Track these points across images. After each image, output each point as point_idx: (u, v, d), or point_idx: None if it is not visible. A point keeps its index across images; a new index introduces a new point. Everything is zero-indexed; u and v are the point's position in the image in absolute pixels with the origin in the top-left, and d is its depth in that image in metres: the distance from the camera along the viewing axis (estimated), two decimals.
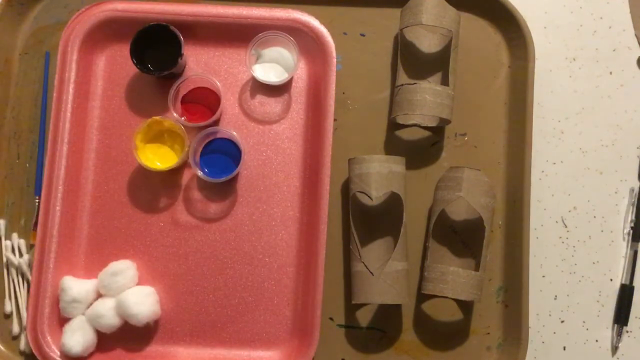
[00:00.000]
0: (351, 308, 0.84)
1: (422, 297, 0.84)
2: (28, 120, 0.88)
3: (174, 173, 0.85)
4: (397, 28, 0.87)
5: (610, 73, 0.90)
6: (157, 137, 0.84)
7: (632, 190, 0.87)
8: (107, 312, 0.79)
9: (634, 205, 0.87)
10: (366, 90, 0.88)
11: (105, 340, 0.81)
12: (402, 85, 0.83)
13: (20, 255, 0.84)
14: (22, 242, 0.85)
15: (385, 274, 0.78)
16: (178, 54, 0.83)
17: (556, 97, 0.89)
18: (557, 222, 0.87)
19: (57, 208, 0.82)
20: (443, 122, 0.85)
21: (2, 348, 0.83)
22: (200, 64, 0.88)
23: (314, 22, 0.86)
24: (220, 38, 0.87)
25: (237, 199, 0.85)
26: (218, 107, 0.83)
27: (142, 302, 0.79)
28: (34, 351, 0.80)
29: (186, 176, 0.85)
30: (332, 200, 0.83)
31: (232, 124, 0.86)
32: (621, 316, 0.84)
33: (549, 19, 0.91)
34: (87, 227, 0.84)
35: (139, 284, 0.82)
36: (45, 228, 0.81)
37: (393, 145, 0.87)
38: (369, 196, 0.80)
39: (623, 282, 0.86)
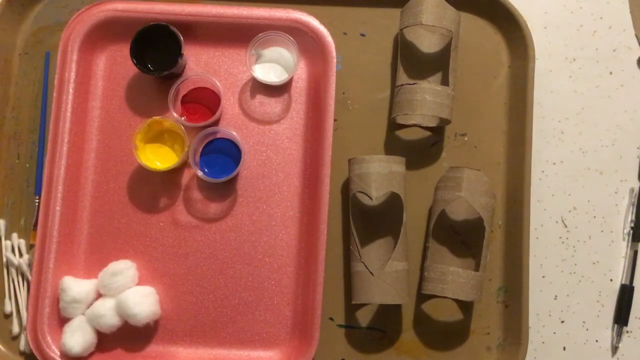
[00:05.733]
0: (351, 308, 0.84)
1: (422, 297, 0.84)
2: (28, 120, 0.88)
3: (174, 173, 0.85)
4: (397, 28, 0.87)
5: (610, 73, 0.90)
6: (157, 137, 0.84)
7: (632, 190, 0.87)
8: (107, 312, 0.79)
9: (634, 205, 0.87)
10: (366, 90, 0.88)
11: (105, 340, 0.81)
12: (402, 85, 0.83)
13: (20, 255, 0.84)
14: (22, 242, 0.85)
15: (385, 274, 0.78)
16: (178, 54, 0.83)
17: (556, 97, 0.89)
18: (557, 222, 0.87)
19: (57, 208, 0.82)
20: (443, 122, 0.85)
21: (2, 348, 0.83)
22: (200, 64, 0.88)
23: (314, 22, 0.86)
24: (220, 38, 0.87)
25: (237, 199, 0.85)
26: (218, 107, 0.83)
27: (142, 302, 0.79)
28: (34, 351, 0.80)
29: (186, 176, 0.85)
30: (332, 200, 0.83)
31: (232, 124, 0.86)
32: (621, 316, 0.84)
33: (549, 19, 0.91)
34: (87, 227, 0.84)
35: (139, 284, 0.82)
36: (45, 228, 0.81)
37: (393, 145, 0.87)
38: (369, 196, 0.80)
39: (623, 282, 0.86)
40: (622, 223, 0.87)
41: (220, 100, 0.84)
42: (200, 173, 0.81)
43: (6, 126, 0.88)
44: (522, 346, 0.80)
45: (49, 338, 0.80)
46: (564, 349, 0.85)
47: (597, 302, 0.85)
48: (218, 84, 0.83)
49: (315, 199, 0.82)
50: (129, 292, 0.80)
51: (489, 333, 0.83)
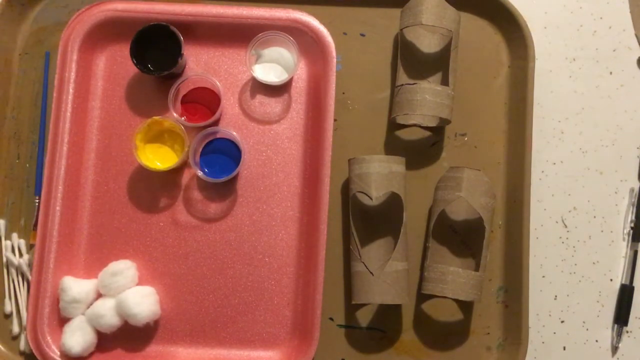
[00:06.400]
0: (351, 308, 0.84)
1: (422, 297, 0.84)
2: (28, 120, 0.88)
3: (174, 173, 0.85)
4: (397, 28, 0.87)
5: (610, 73, 0.90)
6: (157, 137, 0.84)
7: (632, 190, 0.87)
8: (107, 312, 0.79)
9: (634, 205, 0.87)
10: (366, 90, 0.88)
11: (105, 340, 0.81)
12: (402, 85, 0.83)
13: (20, 255, 0.84)
14: (22, 242, 0.85)
15: (385, 274, 0.78)
16: (178, 54, 0.83)
17: (556, 97, 0.89)
18: (557, 222, 0.87)
19: (57, 208, 0.82)
20: (443, 122, 0.85)
21: (2, 348, 0.83)
22: (200, 64, 0.88)
23: (314, 22, 0.86)
24: (220, 38, 0.87)
25: (237, 199, 0.85)
26: (218, 107, 0.83)
27: (142, 302, 0.79)
28: (34, 351, 0.80)
29: (186, 176, 0.85)
30: (332, 200, 0.83)
31: (232, 124, 0.86)
32: (621, 316, 0.84)
33: (549, 19, 0.91)
34: (87, 227, 0.84)
35: (139, 284, 0.82)
36: (45, 228, 0.81)
37: (393, 145, 0.87)
38: (369, 196, 0.79)
39: (623, 282, 0.85)
40: (622, 223, 0.87)
41: (220, 100, 0.84)
42: (200, 173, 0.81)
43: (6, 126, 0.88)
44: (522, 346, 0.80)
45: (49, 338, 0.80)
46: (564, 349, 0.85)
47: (597, 302, 0.85)
48: (218, 84, 0.83)
49: (315, 199, 0.82)
50: (129, 292, 0.80)
51: (489, 333, 0.83)
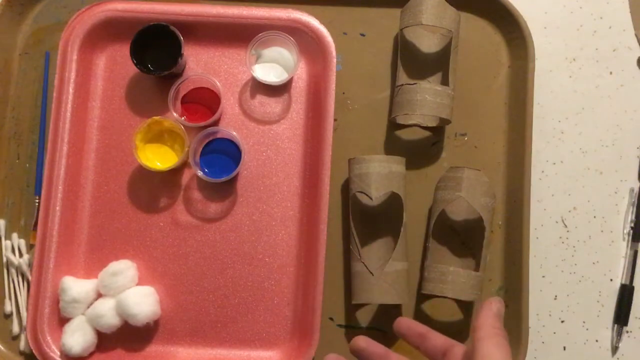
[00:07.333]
0: (351, 308, 0.84)
1: (422, 297, 0.84)
2: (28, 120, 0.88)
3: (174, 173, 0.85)
4: (397, 28, 0.87)
5: (610, 73, 0.90)
6: (157, 137, 0.84)
7: (632, 190, 0.87)
8: (107, 312, 0.79)
9: (634, 205, 0.86)
10: (366, 90, 0.88)
11: (105, 340, 0.81)
12: (402, 85, 0.83)
13: (20, 255, 0.84)
14: (22, 242, 0.85)
15: (385, 274, 0.78)
16: (178, 54, 0.83)
17: (556, 97, 0.89)
18: (557, 222, 0.87)
19: (57, 208, 0.82)
20: (443, 122, 0.85)
21: (2, 348, 0.83)
22: (200, 64, 0.88)
23: (314, 22, 0.86)
24: (220, 38, 0.87)
25: (237, 199, 0.85)
26: (218, 107, 0.83)
27: (142, 302, 0.79)
28: (34, 351, 0.80)
29: (186, 176, 0.85)
30: (332, 200, 0.83)
31: (232, 124, 0.86)
32: (621, 316, 0.84)
33: (549, 19, 0.91)
34: (87, 227, 0.84)
35: (139, 284, 0.82)
36: (45, 228, 0.81)
37: (393, 145, 0.87)
38: (369, 196, 0.80)
39: (623, 282, 0.85)
40: (622, 223, 0.87)
41: (220, 100, 0.84)
42: (200, 173, 0.81)
43: (6, 126, 0.88)
44: (522, 346, 0.80)
45: (49, 338, 0.80)
46: (564, 349, 0.85)
47: (597, 302, 0.85)
48: (218, 84, 0.83)
49: (315, 199, 0.82)
50: (129, 292, 0.80)
51: None
